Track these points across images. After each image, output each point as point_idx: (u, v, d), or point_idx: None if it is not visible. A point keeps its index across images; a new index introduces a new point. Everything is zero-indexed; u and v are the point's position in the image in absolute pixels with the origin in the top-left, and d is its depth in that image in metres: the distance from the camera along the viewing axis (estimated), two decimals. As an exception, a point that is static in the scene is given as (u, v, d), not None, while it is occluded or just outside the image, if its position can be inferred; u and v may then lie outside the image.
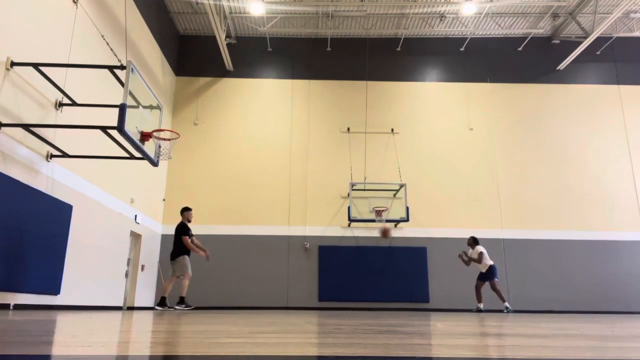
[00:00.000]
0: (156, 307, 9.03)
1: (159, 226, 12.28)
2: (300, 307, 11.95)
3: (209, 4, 10.67)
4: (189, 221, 9.15)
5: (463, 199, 12.91)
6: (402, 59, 14.06)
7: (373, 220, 11.87)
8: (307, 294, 12.15)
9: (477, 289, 10.47)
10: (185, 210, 9.21)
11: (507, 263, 12.44)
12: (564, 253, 12.57)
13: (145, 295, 11.45)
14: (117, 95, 6.71)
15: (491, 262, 10.37)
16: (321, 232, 12.58)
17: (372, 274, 12.24)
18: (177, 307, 8.78)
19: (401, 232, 12.61)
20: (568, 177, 13.19)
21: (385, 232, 10.92)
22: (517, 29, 13.88)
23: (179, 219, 9.20)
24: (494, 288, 10.30)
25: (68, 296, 7.64)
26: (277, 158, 13.07)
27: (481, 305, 10.39)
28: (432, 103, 13.74)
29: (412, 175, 12.80)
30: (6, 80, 6.13)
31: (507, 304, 10.34)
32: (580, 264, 12.50)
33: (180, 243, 8.84)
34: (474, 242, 10.65)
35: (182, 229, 8.93)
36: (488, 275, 10.33)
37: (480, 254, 10.36)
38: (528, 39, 14.03)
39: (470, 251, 10.62)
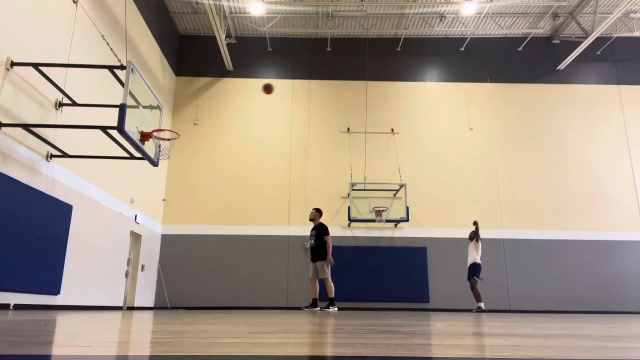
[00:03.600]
0: (304, 309, 8.80)
1: (159, 226, 12.27)
2: (300, 307, 11.93)
3: (209, 4, 10.67)
4: None
5: (463, 199, 12.90)
6: (402, 59, 14.06)
7: (373, 220, 11.88)
8: (307, 294, 12.11)
9: (473, 289, 10.42)
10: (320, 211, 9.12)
11: (507, 263, 12.43)
12: (564, 253, 12.57)
13: (145, 295, 11.45)
14: (117, 95, 6.71)
15: (478, 261, 10.33)
16: (321, 232, 12.56)
17: (372, 274, 12.23)
18: (329, 309, 8.57)
19: (401, 232, 12.61)
20: (568, 177, 13.19)
21: (267, 88, 9.05)
22: (517, 29, 13.88)
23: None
24: (472, 286, 10.22)
25: (68, 296, 7.64)
26: (277, 158, 13.07)
27: (482, 305, 10.33)
28: (432, 103, 13.74)
29: (412, 175, 12.80)
30: (6, 80, 6.14)
31: (481, 304, 10.13)
32: (580, 264, 12.49)
33: (324, 244, 8.77)
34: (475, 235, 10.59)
35: (327, 230, 8.87)
36: (470, 271, 10.29)
37: (478, 243, 10.32)
38: (528, 39, 14.02)
39: (471, 244, 10.57)
